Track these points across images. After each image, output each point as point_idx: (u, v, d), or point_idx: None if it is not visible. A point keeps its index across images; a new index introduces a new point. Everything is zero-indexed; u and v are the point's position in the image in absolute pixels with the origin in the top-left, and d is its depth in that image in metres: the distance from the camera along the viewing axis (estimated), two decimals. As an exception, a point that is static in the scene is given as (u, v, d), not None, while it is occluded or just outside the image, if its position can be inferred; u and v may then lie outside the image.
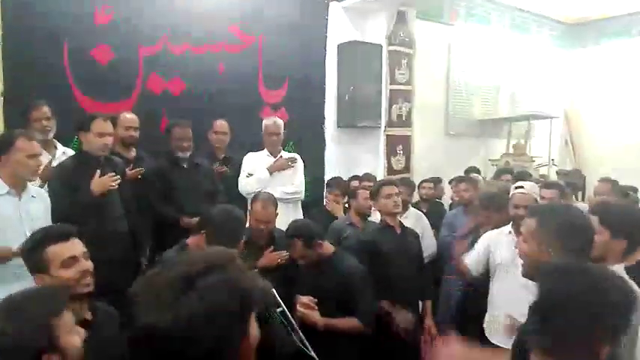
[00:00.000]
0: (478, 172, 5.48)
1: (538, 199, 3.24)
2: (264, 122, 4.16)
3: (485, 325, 2.79)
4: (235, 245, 2.25)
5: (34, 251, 1.74)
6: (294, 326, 2.26)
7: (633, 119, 6.93)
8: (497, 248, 2.83)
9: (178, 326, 0.87)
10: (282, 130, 4.10)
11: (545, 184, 3.80)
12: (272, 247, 2.93)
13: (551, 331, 1.08)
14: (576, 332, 1.06)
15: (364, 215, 3.75)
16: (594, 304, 1.06)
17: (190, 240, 2.60)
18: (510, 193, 3.32)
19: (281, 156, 4.07)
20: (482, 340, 2.64)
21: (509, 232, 2.86)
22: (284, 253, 2.89)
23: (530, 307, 1.15)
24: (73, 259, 1.73)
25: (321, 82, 5.34)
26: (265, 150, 4.09)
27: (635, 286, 1.54)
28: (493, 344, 2.54)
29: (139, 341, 0.90)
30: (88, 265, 1.77)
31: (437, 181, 5.17)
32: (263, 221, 2.91)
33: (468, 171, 5.49)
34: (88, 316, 1.74)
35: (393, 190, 3.19)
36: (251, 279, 0.98)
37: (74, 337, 1.36)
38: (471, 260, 2.94)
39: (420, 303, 3.34)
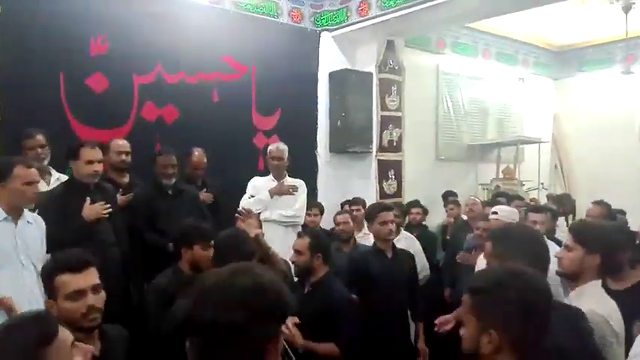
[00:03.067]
0: (455, 195, 5.58)
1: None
2: (269, 147, 4.23)
3: None
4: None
5: (47, 277, 1.71)
6: (287, 352, 2.27)
7: (620, 144, 7.04)
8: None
9: (226, 322, 0.95)
10: (285, 155, 4.12)
11: (534, 207, 3.87)
12: None
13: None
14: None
15: (346, 239, 3.78)
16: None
17: (181, 263, 2.63)
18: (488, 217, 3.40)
19: (283, 181, 4.10)
20: None
21: None
22: None
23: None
24: (79, 294, 1.65)
25: (313, 109, 5.45)
26: (270, 175, 4.14)
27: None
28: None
29: (191, 332, 1.00)
30: (96, 299, 1.68)
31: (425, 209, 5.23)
32: None
33: (445, 195, 5.60)
34: (97, 347, 1.66)
35: (389, 217, 3.17)
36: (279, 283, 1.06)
37: None
38: None
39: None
